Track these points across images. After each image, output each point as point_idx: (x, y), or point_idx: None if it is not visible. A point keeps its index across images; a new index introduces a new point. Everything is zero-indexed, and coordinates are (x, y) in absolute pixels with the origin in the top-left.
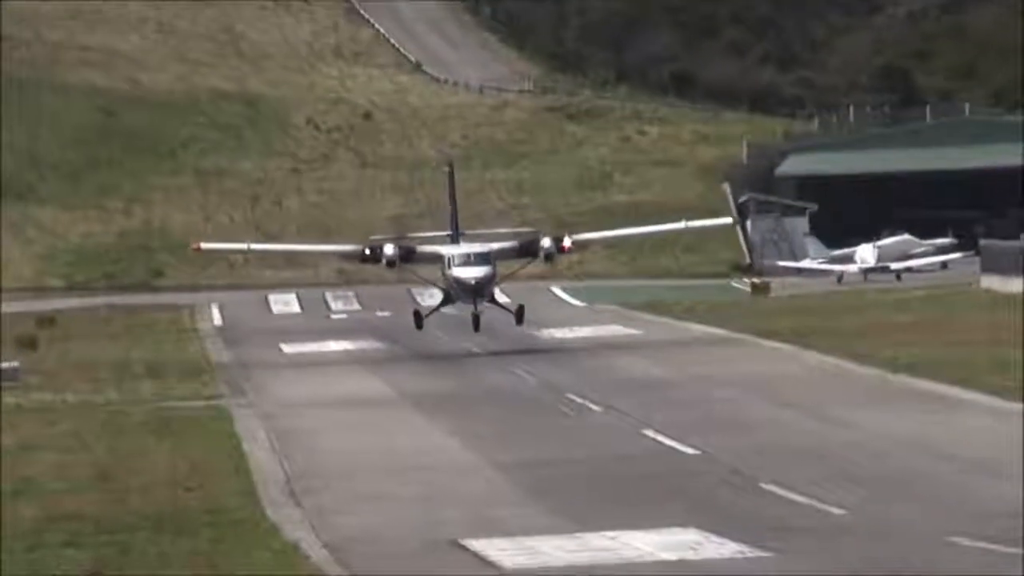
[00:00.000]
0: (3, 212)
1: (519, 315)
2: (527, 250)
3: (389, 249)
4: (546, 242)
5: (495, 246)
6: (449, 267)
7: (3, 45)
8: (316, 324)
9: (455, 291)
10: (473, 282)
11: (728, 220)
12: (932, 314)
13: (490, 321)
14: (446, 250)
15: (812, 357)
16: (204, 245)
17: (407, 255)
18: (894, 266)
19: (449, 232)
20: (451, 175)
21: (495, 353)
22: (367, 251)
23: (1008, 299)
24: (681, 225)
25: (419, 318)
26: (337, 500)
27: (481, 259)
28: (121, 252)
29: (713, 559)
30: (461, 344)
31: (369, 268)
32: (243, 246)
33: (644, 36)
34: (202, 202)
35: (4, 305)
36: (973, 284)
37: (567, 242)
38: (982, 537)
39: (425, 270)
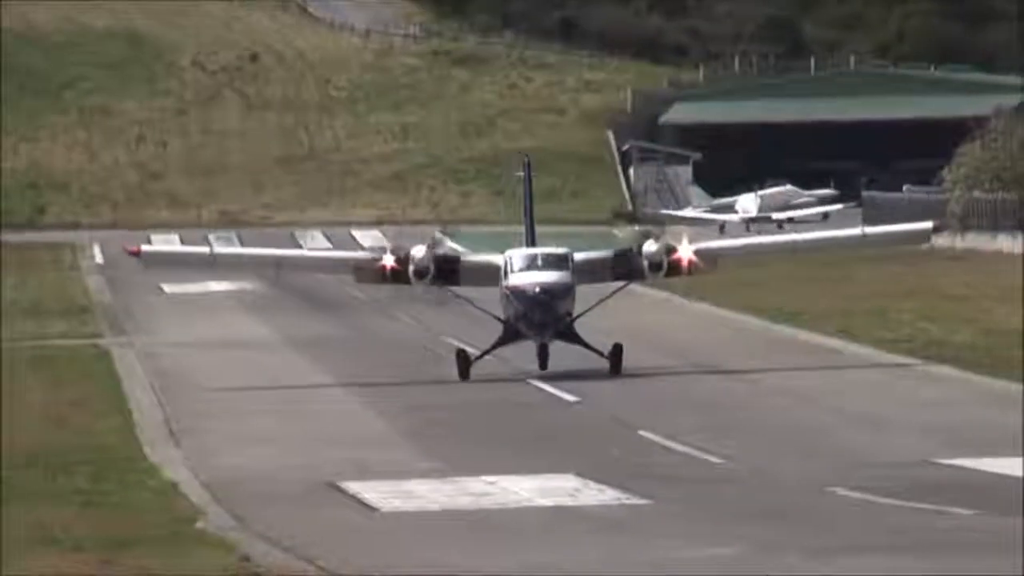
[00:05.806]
0: None
1: (615, 359)
2: (625, 266)
3: (418, 252)
4: (650, 247)
5: (579, 255)
6: (506, 276)
7: None
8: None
9: (515, 314)
10: (538, 290)
11: (928, 225)
12: (815, 265)
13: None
14: (502, 256)
15: (695, 306)
16: (145, 248)
17: (447, 267)
18: (776, 216)
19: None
20: (528, 177)
21: (377, 299)
22: (391, 259)
23: (890, 251)
24: (858, 232)
25: (465, 363)
26: (216, 441)
27: (555, 263)
28: (4, 190)
29: (591, 505)
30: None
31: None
32: (204, 250)
33: None
34: (86, 141)
35: None
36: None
37: (686, 252)
38: (859, 487)
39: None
